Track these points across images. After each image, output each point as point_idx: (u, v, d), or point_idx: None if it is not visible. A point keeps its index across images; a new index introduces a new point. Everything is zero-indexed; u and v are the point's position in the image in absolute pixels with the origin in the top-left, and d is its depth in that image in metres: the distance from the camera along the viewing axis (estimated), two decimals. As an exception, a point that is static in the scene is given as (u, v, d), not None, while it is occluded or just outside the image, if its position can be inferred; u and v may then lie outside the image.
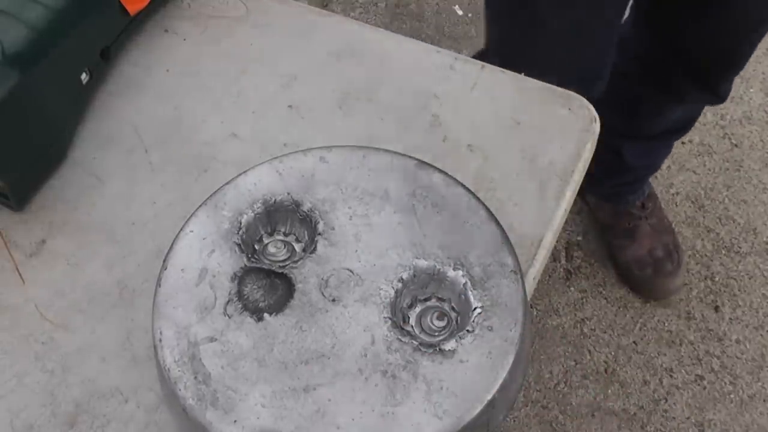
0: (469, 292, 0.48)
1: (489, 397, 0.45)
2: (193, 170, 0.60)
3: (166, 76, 0.62)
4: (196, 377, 0.47)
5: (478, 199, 0.52)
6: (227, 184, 0.52)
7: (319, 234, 0.51)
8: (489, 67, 0.65)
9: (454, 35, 1.85)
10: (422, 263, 0.49)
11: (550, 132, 0.61)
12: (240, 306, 0.49)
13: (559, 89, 0.63)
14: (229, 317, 0.48)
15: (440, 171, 0.53)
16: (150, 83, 0.63)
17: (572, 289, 1.52)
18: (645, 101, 1.24)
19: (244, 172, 0.53)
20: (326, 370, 0.47)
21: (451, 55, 0.65)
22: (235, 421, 0.45)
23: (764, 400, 1.42)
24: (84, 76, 0.60)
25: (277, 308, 0.49)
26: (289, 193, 0.52)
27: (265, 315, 0.49)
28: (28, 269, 0.57)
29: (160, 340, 0.48)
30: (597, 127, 0.60)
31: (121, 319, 0.55)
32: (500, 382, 0.45)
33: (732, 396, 1.41)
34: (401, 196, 0.52)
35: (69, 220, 0.58)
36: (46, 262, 0.57)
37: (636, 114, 1.28)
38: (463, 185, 0.52)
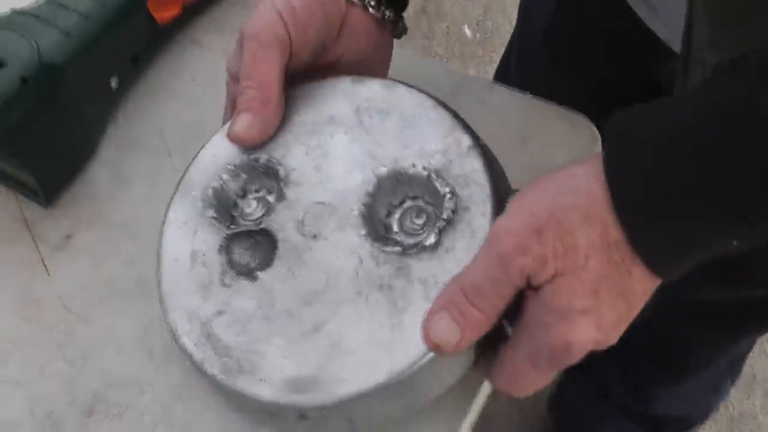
0: (435, 182, 0.48)
1: None
2: (214, 175, 0.62)
3: (191, 85, 0.65)
4: (216, 353, 0.48)
5: (420, 90, 0.51)
6: (190, 165, 0.54)
7: (283, 180, 0.51)
8: (497, 86, 0.67)
9: (463, 55, 1.87)
10: (383, 171, 0.50)
11: (554, 149, 0.62)
12: (234, 273, 0.50)
13: (562, 109, 0.64)
14: (229, 287, 0.50)
15: (376, 79, 0.53)
16: (176, 90, 0.65)
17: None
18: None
19: (201, 148, 0.54)
20: (328, 304, 0.47)
21: (461, 74, 0.67)
22: (262, 380, 0.47)
23: (754, 417, 1.43)
24: (113, 81, 0.62)
25: (267, 263, 0.50)
26: (244, 153, 0.53)
27: (258, 273, 0.50)
28: (54, 262, 0.59)
29: (176, 330, 0.49)
30: (598, 145, 0.62)
31: (140, 313, 0.57)
32: None
33: (722, 413, 1.42)
34: (346, 115, 0.52)
35: (94, 217, 0.61)
36: (71, 256, 0.59)
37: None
38: (403, 83, 0.52)
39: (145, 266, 0.58)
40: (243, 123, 0.51)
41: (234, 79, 0.54)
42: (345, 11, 0.54)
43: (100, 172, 0.62)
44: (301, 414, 0.47)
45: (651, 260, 0.42)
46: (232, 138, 0.52)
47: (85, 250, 0.59)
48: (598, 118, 0.56)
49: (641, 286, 0.43)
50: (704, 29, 0.44)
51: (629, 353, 1.06)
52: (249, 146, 0.52)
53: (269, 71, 0.51)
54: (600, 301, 0.42)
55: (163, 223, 0.52)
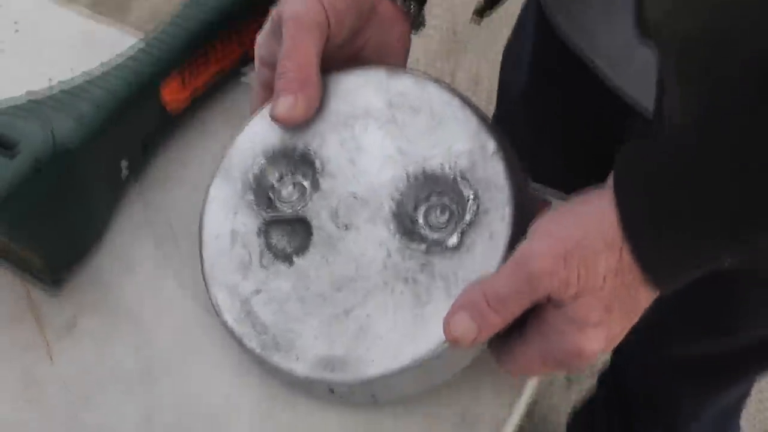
0: (459, 184, 0.52)
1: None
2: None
3: (200, 172, 0.65)
4: (255, 329, 0.52)
5: (449, 89, 0.54)
6: (230, 147, 0.57)
7: (318, 170, 0.55)
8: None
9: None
10: (412, 169, 0.53)
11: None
12: (271, 256, 0.54)
13: (561, 195, 0.65)
14: (266, 268, 0.54)
15: (409, 72, 0.55)
16: (184, 178, 0.67)
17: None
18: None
19: (241, 130, 0.57)
20: (357, 291, 0.52)
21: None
22: (297, 358, 0.51)
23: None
24: (123, 168, 0.64)
25: (302, 249, 0.54)
26: (282, 140, 0.56)
27: (294, 258, 0.53)
28: (58, 346, 0.60)
29: (218, 305, 0.54)
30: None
31: (142, 400, 0.57)
32: (503, 257, 0.49)
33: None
34: (380, 109, 0.54)
35: (99, 302, 0.61)
36: (75, 340, 0.60)
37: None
38: (434, 79, 0.55)
39: (149, 353, 0.59)
40: (285, 103, 0.53)
41: (264, 63, 0.56)
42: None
43: (107, 257, 0.63)
44: (330, 389, 0.52)
45: (655, 277, 0.47)
46: (277, 119, 0.53)
47: (89, 335, 0.60)
48: (577, 176, 0.58)
49: (645, 299, 0.48)
50: (674, 93, 0.47)
51: (629, 409, 1.10)
52: (292, 126, 0.54)
53: (309, 53, 0.53)
54: (611, 317, 0.47)
55: (204, 201, 0.56)
